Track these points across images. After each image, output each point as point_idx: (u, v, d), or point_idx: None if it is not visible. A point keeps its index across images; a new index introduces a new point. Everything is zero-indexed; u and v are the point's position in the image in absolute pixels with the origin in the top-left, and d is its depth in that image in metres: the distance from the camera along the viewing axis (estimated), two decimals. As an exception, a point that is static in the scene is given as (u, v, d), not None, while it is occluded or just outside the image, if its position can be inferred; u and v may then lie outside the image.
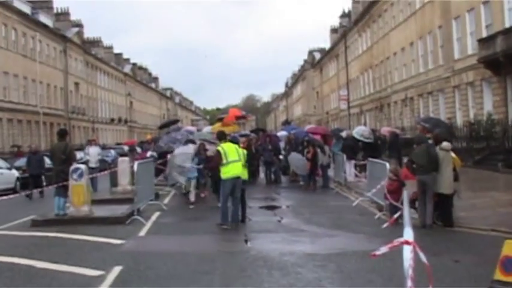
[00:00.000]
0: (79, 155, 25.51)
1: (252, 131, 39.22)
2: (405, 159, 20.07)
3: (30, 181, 27.26)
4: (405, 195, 7.73)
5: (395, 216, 15.22)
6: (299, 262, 11.30)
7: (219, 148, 16.27)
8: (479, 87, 37.93)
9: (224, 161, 15.85)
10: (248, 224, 16.50)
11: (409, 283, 4.72)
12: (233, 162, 15.85)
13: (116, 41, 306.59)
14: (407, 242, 5.27)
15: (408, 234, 5.44)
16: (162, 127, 42.32)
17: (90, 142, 31.01)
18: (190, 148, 23.13)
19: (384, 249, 6.17)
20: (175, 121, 45.72)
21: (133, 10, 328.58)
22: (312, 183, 26.59)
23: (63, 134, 19.46)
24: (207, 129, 34.53)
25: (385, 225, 15.43)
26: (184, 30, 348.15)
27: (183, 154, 22.46)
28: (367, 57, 70.32)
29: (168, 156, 24.76)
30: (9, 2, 57.59)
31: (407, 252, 5.15)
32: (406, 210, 6.46)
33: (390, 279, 9.70)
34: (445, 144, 15.39)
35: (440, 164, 14.94)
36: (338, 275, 10.30)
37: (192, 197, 21.28)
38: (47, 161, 31.28)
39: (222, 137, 17.76)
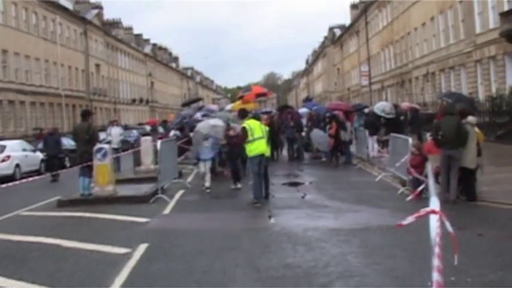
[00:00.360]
0: (101, 135, 25.59)
1: (279, 108, 39.07)
2: (427, 135, 20.01)
3: (47, 162, 27.71)
4: (429, 168, 7.74)
5: (419, 189, 15.21)
6: (323, 237, 11.36)
7: (245, 125, 16.25)
8: (501, 61, 37.54)
9: (250, 138, 15.89)
10: (271, 200, 16.57)
11: (437, 249, 4.73)
12: (258, 139, 15.91)
13: (136, 22, 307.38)
14: (433, 212, 5.27)
15: (434, 203, 5.44)
16: (184, 105, 42.39)
17: (112, 123, 31.04)
18: (218, 121, 22.37)
19: (410, 219, 6.18)
20: (198, 99, 45.91)
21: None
22: (334, 159, 26.59)
23: (86, 114, 19.61)
24: (228, 107, 34.54)
25: (408, 198, 15.45)
26: (204, 9, 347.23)
27: (212, 127, 21.26)
28: (388, 33, 69.81)
29: (191, 134, 24.49)
30: (29, -15, 57.79)
31: (434, 222, 5.15)
32: (431, 182, 6.45)
33: (414, 254, 9.72)
34: (471, 118, 15.23)
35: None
36: (362, 249, 10.35)
37: (207, 182, 19.38)
38: (70, 143, 31.66)
39: (244, 114, 17.77)
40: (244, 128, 16.21)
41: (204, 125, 21.75)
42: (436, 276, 4.46)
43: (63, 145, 30.93)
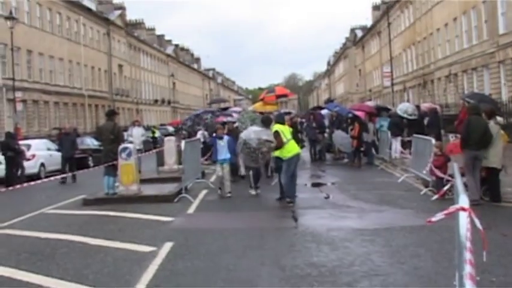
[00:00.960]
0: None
1: (313, 108, 39.09)
2: (449, 136, 19.95)
3: (62, 163, 26.71)
4: (455, 166, 7.76)
5: (445, 189, 15.18)
6: (347, 237, 11.41)
7: (277, 129, 16.26)
8: (525, 62, 37.40)
9: (284, 140, 15.99)
10: (295, 200, 16.60)
11: (468, 244, 4.78)
12: (290, 140, 16.06)
13: (158, 22, 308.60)
14: (463, 209, 5.32)
15: (463, 201, 5.49)
16: (211, 103, 42.63)
17: (134, 123, 31.02)
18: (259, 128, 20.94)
19: (439, 216, 6.23)
20: (224, 100, 46.18)
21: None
22: (357, 160, 26.60)
23: (111, 114, 19.81)
24: (250, 108, 34.56)
25: (434, 198, 15.44)
26: (227, 10, 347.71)
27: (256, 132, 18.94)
28: (410, 34, 69.61)
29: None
30: (53, -13, 58.32)
31: (464, 218, 5.19)
32: (459, 180, 6.52)
33: (439, 253, 9.75)
34: (499, 118, 15.21)
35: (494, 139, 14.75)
36: (387, 249, 10.38)
37: (227, 187, 18.12)
38: (93, 142, 31.89)
39: (269, 122, 17.49)
40: (277, 132, 16.13)
41: (248, 133, 19.00)
42: (468, 268, 4.50)
43: (87, 145, 31.17)
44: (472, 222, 5.52)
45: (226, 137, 18.85)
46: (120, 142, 18.70)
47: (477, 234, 6.04)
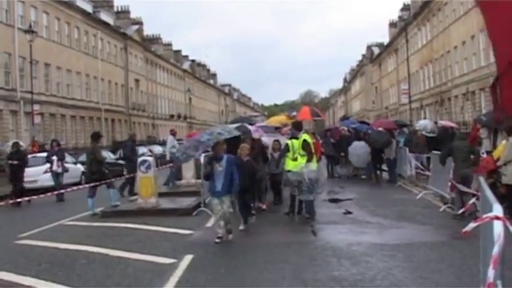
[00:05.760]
0: (141, 150, 25.76)
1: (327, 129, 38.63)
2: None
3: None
4: (481, 179, 7.73)
5: (471, 202, 15.02)
6: (368, 252, 11.37)
7: (306, 138, 15.95)
8: (543, 80, 37.14)
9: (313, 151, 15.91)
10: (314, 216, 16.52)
11: (498, 248, 4.76)
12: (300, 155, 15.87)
13: (176, 37, 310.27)
14: (497, 217, 5.29)
15: (497, 209, 5.47)
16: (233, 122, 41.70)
17: (171, 132, 30.16)
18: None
19: (472, 225, 6.20)
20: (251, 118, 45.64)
21: (192, 6, 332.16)
22: (374, 175, 26.49)
23: (94, 136, 20.70)
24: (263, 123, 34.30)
25: (460, 211, 15.22)
26: (243, 26, 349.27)
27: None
28: (427, 51, 69.52)
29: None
30: (72, 1, 58.68)
31: (498, 227, 5.16)
32: (488, 191, 6.49)
33: (460, 269, 9.71)
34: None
35: None
36: (407, 264, 10.34)
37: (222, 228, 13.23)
38: (110, 156, 31.92)
39: (300, 127, 17.06)
40: (306, 142, 15.80)
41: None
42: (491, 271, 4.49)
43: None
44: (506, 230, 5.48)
45: (225, 157, 13.19)
46: (100, 162, 19.76)
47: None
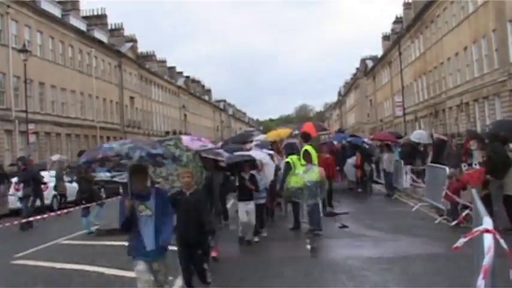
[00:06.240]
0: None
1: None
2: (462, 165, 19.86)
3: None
4: (474, 192, 7.77)
5: (464, 213, 15.06)
6: (364, 266, 11.39)
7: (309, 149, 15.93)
8: (536, 90, 37.33)
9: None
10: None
11: (489, 259, 4.77)
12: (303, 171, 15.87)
13: (170, 53, 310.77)
14: (487, 231, 5.31)
15: (487, 222, 5.49)
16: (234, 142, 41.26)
17: None
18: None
19: (463, 240, 6.21)
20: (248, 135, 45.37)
21: (186, 21, 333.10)
22: (361, 187, 26.87)
23: (81, 154, 20.55)
24: (261, 137, 34.13)
25: (452, 223, 15.33)
26: (235, 43, 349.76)
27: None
28: (420, 64, 69.73)
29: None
30: (65, 20, 58.84)
31: (488, 240, 5.19)
32: (479, 204, 6.52)
33: (456, 281, 9.71)
34: (512, 146, 15.14)
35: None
36: (404, 277, 10.36)
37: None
38: (106, 174, 31.76)
39: (308, 138, 17.32)
40: (307, 151, 15.81)
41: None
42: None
43: (99, 176, 31.12)
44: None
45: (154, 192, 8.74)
46: (89, 181, 19.54)
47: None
